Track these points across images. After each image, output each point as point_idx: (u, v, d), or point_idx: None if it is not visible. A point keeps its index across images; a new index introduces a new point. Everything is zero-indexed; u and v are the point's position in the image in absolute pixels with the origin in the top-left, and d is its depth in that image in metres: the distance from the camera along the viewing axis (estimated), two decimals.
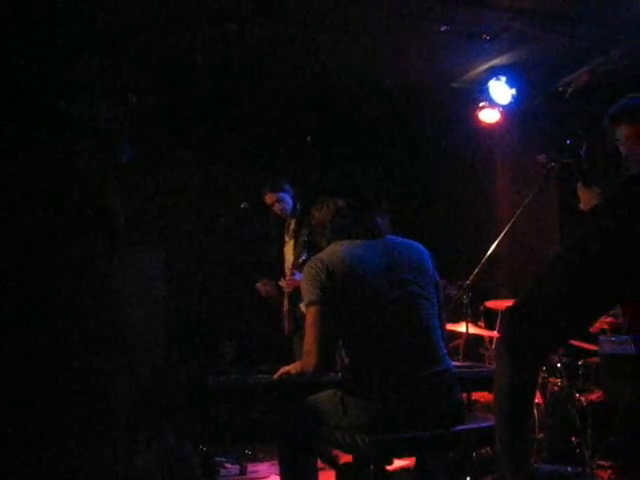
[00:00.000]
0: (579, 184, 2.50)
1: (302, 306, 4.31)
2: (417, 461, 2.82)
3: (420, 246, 2.74)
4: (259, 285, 4.58)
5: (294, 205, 4.47)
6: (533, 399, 2.23)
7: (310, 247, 4.05)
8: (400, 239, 2.73)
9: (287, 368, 2.66)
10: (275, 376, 2.67)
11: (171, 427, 4.36)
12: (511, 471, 1.94)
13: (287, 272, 4.48)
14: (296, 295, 4.30)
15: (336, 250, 2.58)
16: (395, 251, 2.63)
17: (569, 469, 3.79)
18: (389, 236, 2.71)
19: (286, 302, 4.45)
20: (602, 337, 3.85)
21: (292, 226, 4.49)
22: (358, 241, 2.61)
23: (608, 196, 2.17)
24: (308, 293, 2.50)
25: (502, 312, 4.41)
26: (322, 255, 2.58)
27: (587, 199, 2.49)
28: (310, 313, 2.48)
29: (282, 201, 4.45)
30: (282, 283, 4.43)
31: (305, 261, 4.09)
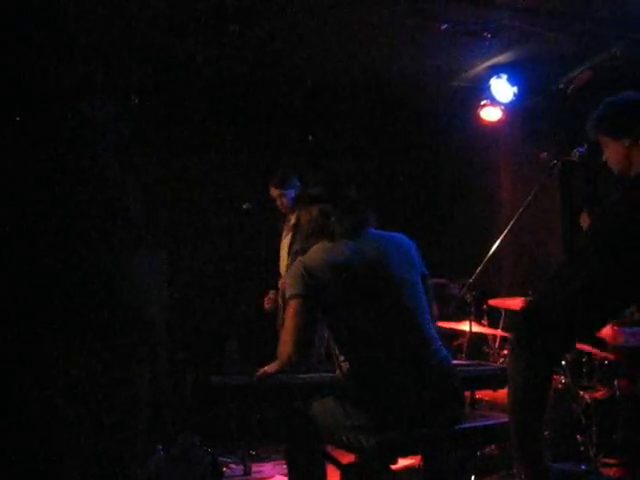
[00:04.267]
0: (583, 214, 2.48)
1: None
2: (423, 460, 2.81)
3: (404, 238, 2.73)
4: (266, 299, 4.59)
5: None
6: (547, 398, 2.23)
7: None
8: (384, 233, 2.71)
9: (265, 368, 2.59)
10: (257, 376, 2.59)
11: (180, 429, 4.36)
12: (526, 468, 1.95)
13: (282, 270, 4.49)
14: None
15: (318, 252, 2.59)
16: (380, 246, 2.62)
17: (582, 467, 3.78)
18: (372, 230, 2.69)
19: (280, 300, 4.44)
20: (618, 329, 3.85)
21: (292, 221, 4.51)
22: (341, 241, 2.60)
23: (613, 199, 2.17)
24: (291, 287, 2.51)
25: (517, 313, 4.41)
26: (304, 258, 2.59)
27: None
28: (291, 305, 2.49)
29: (284, 197, 4.47)
30: (280, 284, 4.41)
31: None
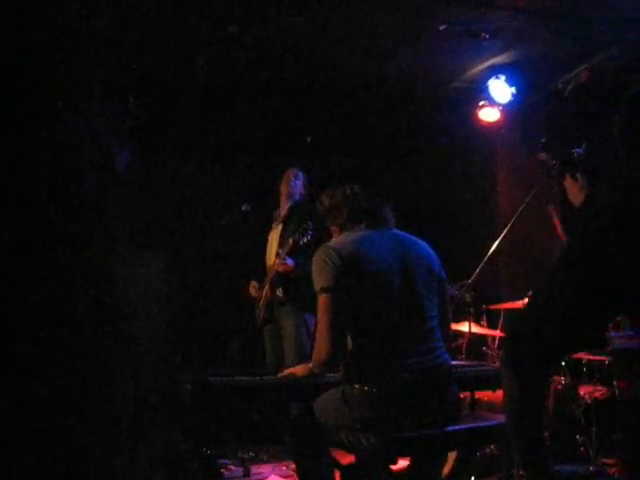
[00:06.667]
0: (568, 177, 2.50)
1: (279, 291, 4.31)
2: (414, 461, 2.77)
3: (426, 244, 2.75)
4: (251, 287, 4.56)
5: (300, 194, 4.54)
6: (542, 405, 2.24)
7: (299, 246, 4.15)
8: (408, 235, 2.73)
9: (293, 370, 2.64)
10: (280, 375, 2.65)
11: (173, 428, 4.35)
12: (530, 474, 1.97)
13: (269, 260, 4.47)
14: (279, 280, 4.33)
15: (348, 239, 2.59)
16: (405, 246, 2.63)
17: (591, 468, 3.78)
18: (396, 230, 2.71)
19: (267, 288, 4.40)
20: (613, 332, 3.85)
21: (284, 212, 4.52)
22: (369, 231, 2.62)
23: (590, 214, 2.20)
24: (320, 280, 2.47)
25: (504, 328, 4.42)
26: (333, 243, 2.58)
27: (574, 192, 2.49)
28: (322, 300, 2.45)
29: (296, 179, 4.56)
30: (276, 262, 4.31)
31: (301, 247, 4.12)
